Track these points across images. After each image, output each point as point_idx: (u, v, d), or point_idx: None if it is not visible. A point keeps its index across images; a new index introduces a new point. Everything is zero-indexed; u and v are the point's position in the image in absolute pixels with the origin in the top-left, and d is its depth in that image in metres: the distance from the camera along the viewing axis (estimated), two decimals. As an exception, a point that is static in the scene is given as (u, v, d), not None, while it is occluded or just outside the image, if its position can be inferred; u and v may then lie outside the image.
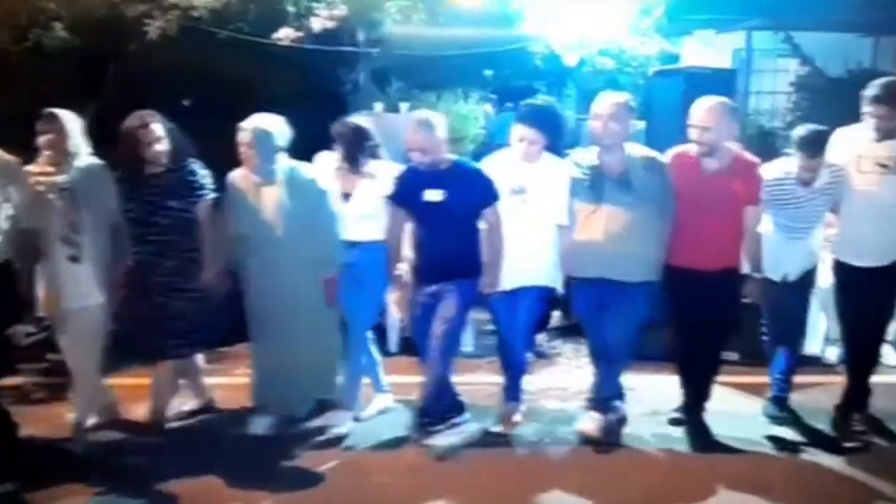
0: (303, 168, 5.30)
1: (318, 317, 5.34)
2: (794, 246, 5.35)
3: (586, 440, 5.31)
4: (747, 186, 5.12)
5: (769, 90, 12.39)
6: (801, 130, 5.19)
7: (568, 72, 9.58)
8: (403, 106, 8.74)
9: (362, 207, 5.37)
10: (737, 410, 5.76)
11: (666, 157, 5.25)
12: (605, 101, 5.13)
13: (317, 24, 7.97)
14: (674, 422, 5.59)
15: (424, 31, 7.89)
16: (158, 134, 5.09)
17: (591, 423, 5.34)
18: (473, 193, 5.12)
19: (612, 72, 8.32)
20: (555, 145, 5.25)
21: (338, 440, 5.29)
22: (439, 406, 5.30)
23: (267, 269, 5.25)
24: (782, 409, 5.65)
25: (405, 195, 5.17)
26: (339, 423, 5.44)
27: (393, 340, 6.82)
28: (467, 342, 6.70)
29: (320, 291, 5.27)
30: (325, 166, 5.45)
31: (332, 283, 5.29)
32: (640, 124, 7.76)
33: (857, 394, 5.55)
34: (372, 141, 5.45)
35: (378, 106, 8.65)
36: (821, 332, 6.84)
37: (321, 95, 8.16)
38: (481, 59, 8.81)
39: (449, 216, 5.09)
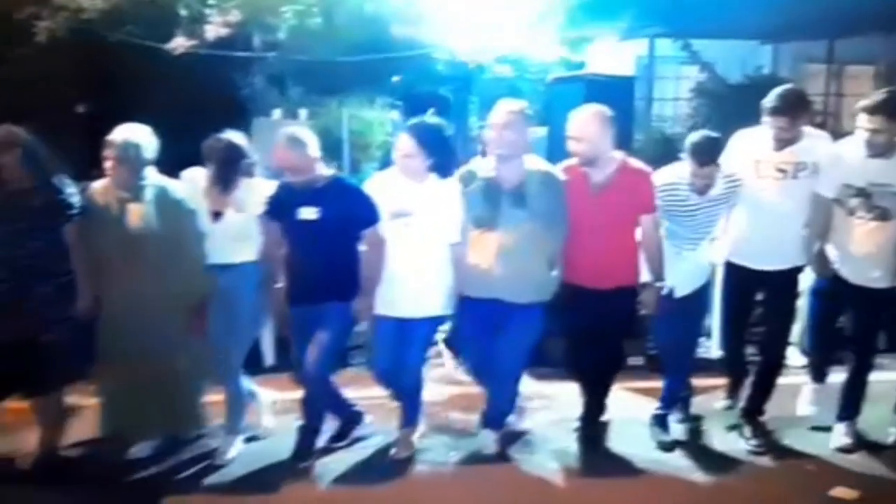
0: (171, 185, 5.01)
1: (180, 347, 5.01)
2: (683, 260, 5.22)
3: (485, 456, 5.20)
4: (638, 196, 5.01)
5: (672, 97, 12.56)
6: (693, 137, 5.10)
7: (471, 78, 9.53)
8: (302, 112, 8.58)
9: (233, 227, 5.04)
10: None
11: (558, 169, 5.13)
12: (501, 110, 4.96)
13: (211, 31, 7.77)
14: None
15: (323, 36, 7.71)
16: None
17: (490, 443, 5.25)
18: (351, 213, 4.90)
19: (513, 79, 8.26)
20: (441, 167, 4.99)
21: (222, 466, 5.06)
22: (319, 432, 5.20)
23: (126, 292, 4.87)
24: (664, 429, 5.51)
25: (279, 212, 4.93)
26: (226, 449, 5.17)
27: (268, 354, 6.53)
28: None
29: (184, 320, 4.96)
30: (195, 183, 5.11)
31: (200, 313, 4.99)
32: (542, 131, 7.76)
33: (761, 397, 5.57)
34: (246, 158, 5.12)
35: (276, 112, 8.47)
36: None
37: (216, 102, 7.95)
38: (383, 64, 8.68)
39: (324, 235, 4.86)
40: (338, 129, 9.17)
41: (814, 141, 5.19)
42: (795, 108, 5.04)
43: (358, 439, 5.36)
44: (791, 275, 5.34)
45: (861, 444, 5.37)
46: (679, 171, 5.13)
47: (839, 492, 4.78)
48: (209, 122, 5.33)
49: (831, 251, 5.23)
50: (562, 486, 4.97)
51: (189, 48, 7.56)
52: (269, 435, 5.39)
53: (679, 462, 5.22)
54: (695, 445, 5.47)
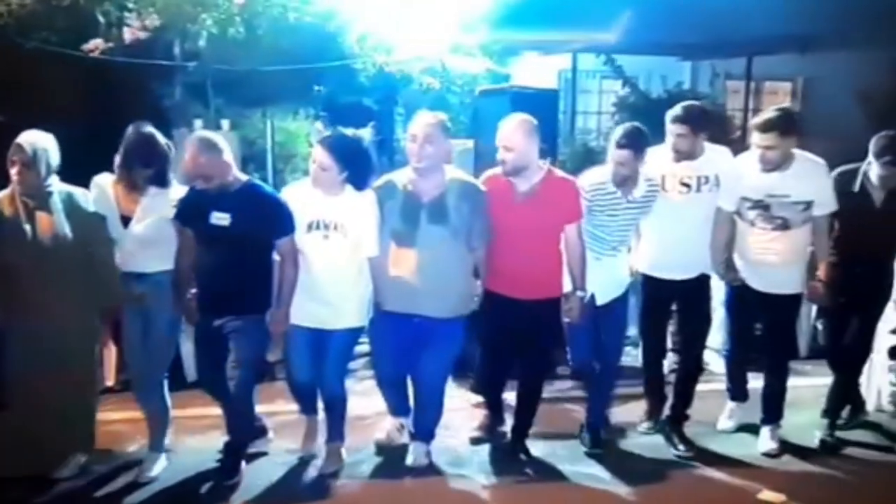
0: (77, 192, 4.89)
1: (87, 361, 4.92)
2: (602, 267, 5.28)
3: (414, 470, 5.18)
4: (563, 205, 5.06)
5: (595, 110, 12.70)
6: (619, 129, 5.24)
7: (397, 89, 9.47)
8: (225, 123, 8.42)
9: (143, 234, 4.89)
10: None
11: (481, 180, 5.16)
12: (419, 122, 4.95)
13: (129, 34, 7.55)
14: (475, 441, 5.58)
15: (245, 45, 7.57)
16: None
17: (421, 458, 5.22)
18: (264, 221, 4.78)
19: (439, 90, 8.22)
20: (356, 179, 4.94)
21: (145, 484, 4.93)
22: (246, 449, 5.10)
23: (34, 302, 4.73)
24: (596, 443, 5.55)
25: (191, 216, 4.81)
26: (149, 466, 5.04)
27: (189, 370, 6.32)
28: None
29: (90, 332, 4.86)
30: (104, 189, 4.97)
31: (109, 324, 4.90)
32: (469, 143, 7.75)
33: (682, 404, 5.69)
34: (161, 154, 4.93)
35: (198, 123, 8.29)
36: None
37: (136, 112, 7.73)
38: (307, 74, 8.57)
39: (235, 242, 4.73)
40: (262, 140, 9.06)
41: (715, 155, 5.39)
42: (696, 120, 5.23)
43: (258, 454, 5.28)
44: (700, 282, 5.50)
45: (788, 448, 5.54)
46: (607, 171, 5.22)
47: (766, 495, 4.85)
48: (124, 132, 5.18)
49: (737, 261, 5.44)
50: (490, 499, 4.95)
51: (106, 50, 7.32)
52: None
53: (607, 472, 5.26)
54: (623, 454, 5.53)
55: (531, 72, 10.78)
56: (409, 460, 5.23)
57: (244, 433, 5.11)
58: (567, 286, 5.18)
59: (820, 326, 6.74)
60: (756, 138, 5.21)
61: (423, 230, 4.91)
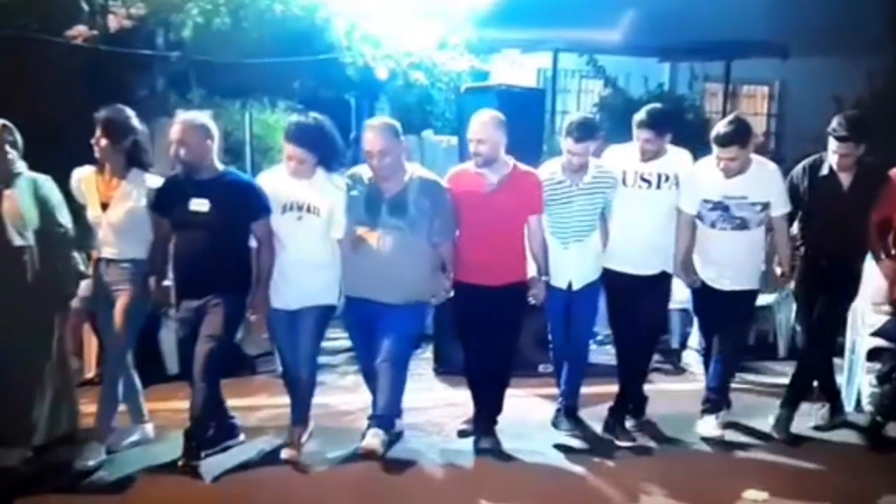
0: (41, 178, 4.94)
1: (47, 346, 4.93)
2: (571, 253, 5.48)
3: (370, 457, 5.07)
4: (528, 197, 5.30)
5: (575, 110, 12.69)
6: (569, 120, 5.45)
7: (380, 85, 9.42)
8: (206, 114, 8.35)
9: (118, 217, 4.94)
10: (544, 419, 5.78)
11: (447, 176, 5.36)
12: (372, 137, 5.08)
13: (113, 22, 7.49)
14: (462, 434, 5.62)
15: (228, 36, 7.51)
16: None
17: (373, 440, 5.11)
18: (241, 206, 4.91)
19: (425, 86, 8.20)
20: (328, 162, 5.08)
21: (86, 474, 4.83)
22: (207, 431, 5.00)
23: None
24: (572, 421, 5.70)
25: (169, 205, 4.90)
26: (89, 457, 4.93)
27: (172, 362, 6.25)
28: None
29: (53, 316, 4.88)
30: (82, 178, 5.03)
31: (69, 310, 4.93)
32: (453, 140, 7.74)
33: (632, 398, 5.78)
34: (134, 129, 4.97)
35: (179, 114, 8.21)
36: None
37: (114, 100, 7.65)
38: (289, 67, 8.52)
39: (214, 228, 4.84)
40: (240, 132, 9.00)
41: (675, 156, 5.57)
42: (660, 124, 5.41)
43: (227, 448, 5.22)
44: (660, 280, 5.66)
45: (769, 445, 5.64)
46: (558, 162, 5.49)
47: (750, 494, 4.87)
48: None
49: (697, 262, 5.61)
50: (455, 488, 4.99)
51: (90, 38, 7.24)
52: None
53: (579, 463, 5.32)
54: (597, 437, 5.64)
55: (511, 70, 10.77)
56: (363, 443, 5.13)
57: (206, 413, 4.96)
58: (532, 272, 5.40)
59: (798, 328, 6.79)
60: (717, 151, 5.39)
61: (385, 219, 5.07)
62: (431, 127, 10.60)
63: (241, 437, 5.35)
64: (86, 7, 7.43)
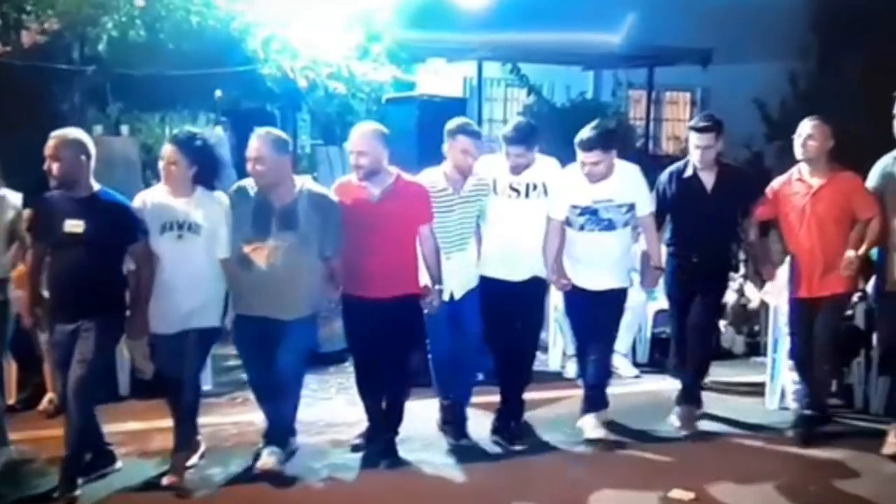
0: None
1: None
2: (452, 263, 5.47)
3: (267, 476, 4.99)
4: (415, 207, 5.28)
5: (501, 118, 12.75)
6: (451, 123, 5.46)
7: (302, 95, 9.35)
8: (125, 128, 8.21)
9: None
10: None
11: (332, 189, 5.29)
12: (253, 138, 5.02)
13: (27, 38, 7.32)
14: (355, 448, 5.50)
15: (146, 49, 7.39)
16: None
17: (269, 458, 5.04)
18: (116, 228, 4.73)
19: (345, 97, 8.15)
20: (204, 177, 4.96)
21: None
22: (83, 461, 4.82)
23: None
24: (459, 436, 5.64)
25: (43, 225, 4.74)
26: None
27: (123, 382, 6.21)
28: (206, 379, 6.28)
29: None
30: None
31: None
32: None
33: (514, 405, 5.79)
34: None
35: (97, 129, 8.06)
36: (560, 348, 7.35)
37: (33, 117, 7.47)
38: (208, 79, 8.41)
39: (88, 250, 4.66)
40: (160, 146, 8.81)
41: (543, 166, 5.64)
42: (529, 138, 5.49)
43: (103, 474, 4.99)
44: (533, 285, 5.72)
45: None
46: (438, 171, 5.49)
47: (676, 493, 4.89)
48: (24, 138, 5.18)
49: (567, 264, 5.70)
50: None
51: (3, 54, 7.07)
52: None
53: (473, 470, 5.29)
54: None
55: (438, 80, 10.79)
56: (259, 463, 5.06)
57: (81, 441, 4.77)
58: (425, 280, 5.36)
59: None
60: (581, 156, 5.47)
61: (273, 236, 4.97)
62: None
63: (119, 464, 5.10)
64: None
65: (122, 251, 4.81)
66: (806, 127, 5.67)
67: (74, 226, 4.62)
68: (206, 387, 6.16)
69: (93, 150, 4.77)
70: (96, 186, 4.80)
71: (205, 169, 4.95)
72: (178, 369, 4.95)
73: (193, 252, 4.89)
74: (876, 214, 5.59)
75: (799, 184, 5.72)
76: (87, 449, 4.85)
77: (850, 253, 5.57)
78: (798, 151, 5.69)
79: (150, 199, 4.94)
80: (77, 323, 4.69)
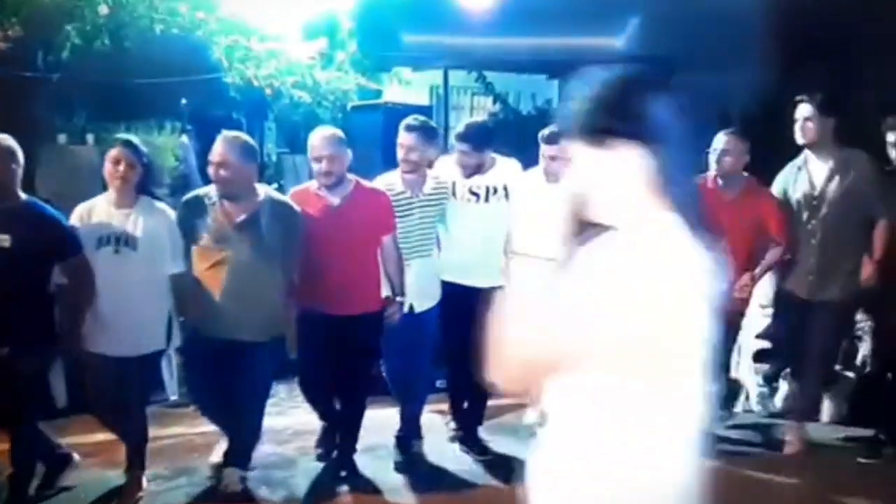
0: None
1: None
2: (413, 272, 5.37)
3: (230, 498, 5.00)
4: (378, 216, 5.13)
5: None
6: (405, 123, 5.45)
7: (268, 104, 9.35)
8: (90, 137, 8.16)
9: None
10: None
11: (288, 197, 5.12)
12: (216, 145, 4.84)
13: (-9, 45, 7.25)
14: (319, 458, 5.57)
15: (110, 57, 7.36)
16: None
17: (231, 478, 5.05)
18: (45, 243, 4.50)
19: (310, 105, 8.17)
20: (148, 184, 4.85)
21: None
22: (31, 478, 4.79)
23: None
24: (404, 453, 5.64)
25: None
26: None
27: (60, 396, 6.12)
28: (172, 389, 6.27)
29: None
30: None
31: None
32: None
33: (476, 411, 5.88)
34: None
35: (61, 138, 8.01)
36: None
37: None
38: (173, 88, 8.39)
39: (13, 266, 4.42)
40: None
41: (504, 168, 5.63)
42: (478, 138, 5.50)
43: (67, 488, 4.96)
44: (496, 292, 5.60)
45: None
46: (395, 174, 5.45)
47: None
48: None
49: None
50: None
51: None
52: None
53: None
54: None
55: (402, 88, 10.82)
56: (222, 484, 5.03)
57: (24, 460, 4.76)
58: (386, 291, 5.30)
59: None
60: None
61: (234, 246, 4.78)
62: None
63: (76, 458, 5.02)
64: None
65: (51, 268, 4.56)
66: (720, 142, 5.61)
67: (0, 240, 4.38)
68: (173, 397, 6.20)
69: (21, 157, 4.51)
70: (24, 196, 4.56)
71: (149, 174, 4.79)
72: (112, 395, 4.70)
73: (131, 268, 4.65)
74: (783, 241, 5.62)
75: (712, 194, 5.66)
76: (33, 466, 4.78)
77: (746, 276, 5.66)
78: (712, 166, 5.64)
79: (89, 209, 4.72)
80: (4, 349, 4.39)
